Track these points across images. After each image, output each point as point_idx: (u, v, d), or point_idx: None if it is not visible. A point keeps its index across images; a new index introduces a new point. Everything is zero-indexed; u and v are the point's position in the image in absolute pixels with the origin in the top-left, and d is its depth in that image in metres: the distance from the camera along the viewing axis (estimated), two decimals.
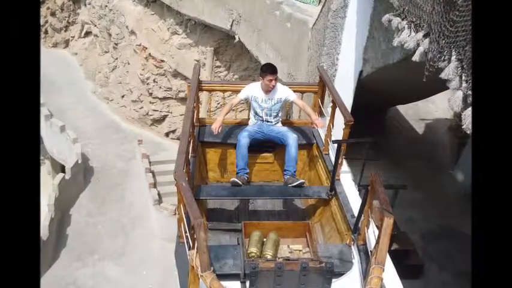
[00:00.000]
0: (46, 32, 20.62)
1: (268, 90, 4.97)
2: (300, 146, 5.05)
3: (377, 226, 3.43)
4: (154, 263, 11.88)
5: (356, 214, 3.96)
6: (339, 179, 4.66)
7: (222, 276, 3.15)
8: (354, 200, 4.38)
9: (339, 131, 4.64)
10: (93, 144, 15.66)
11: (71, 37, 20.84)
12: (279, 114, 5.17)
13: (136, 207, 13.55)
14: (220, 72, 14.91)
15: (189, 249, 3.29)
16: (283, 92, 5.05)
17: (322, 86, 5.45)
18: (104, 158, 15.22)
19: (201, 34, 14.55)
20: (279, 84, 5.08)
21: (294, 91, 5.26)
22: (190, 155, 4.55)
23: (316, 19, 7.51)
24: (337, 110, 4.77)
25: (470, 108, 3.03)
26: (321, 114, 5.50)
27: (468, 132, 2.98)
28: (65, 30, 20.86)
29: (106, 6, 17.62)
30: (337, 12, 6.49)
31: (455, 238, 7.68)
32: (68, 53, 20.76)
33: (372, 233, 3.71)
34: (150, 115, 16.54)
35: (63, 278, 11.44)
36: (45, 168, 15.93)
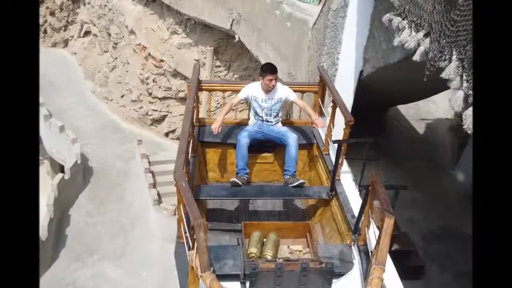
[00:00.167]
0: (45, 32, 20.60)
1: (268, 90, 4.96)
2: (300, 146, 5.04)
3: (377, 226, 3.42)
4: (154, 263, 11.86)
5: (356, 214, 3.95)
6: (339, 179, 4.65)
7: (222, 277, 3.15)
8: (355, 200, 4.37)
9: (339, 131, 4.63)
10: (92, 144, 15.63)
11: (70, 37, 20.82)
12: (279, 114, 5.16)
13: (136, 208, 13.53)
14: (220, 72, 14.90)
15: (189, 249, 3.28)
16: (283, 92, 5.04)
17: (323, 86, 5.44)
18: (103, 158, 15.19)
19: (200, 34, 14.54)
20: (279, 84, 5.07)
21: (294, 91, 5.25)
22: (190, 155, 4.54)
23: (317, 18, 7.50)
24: (338, 109, 4.76)
25: (471, 108, 3.02)
26: (321, 114, 5.49)
27: (469, 132, 2.97)
28: (64, 30, 20.84)
29: (105, 5, 17.60)
30: (337, 11, 6.48)
31: (456, 238, 7.67)
32: (67, 53, 20.73)
33: (372, 234, 3.70)
34: (150, 115, 16.53)
35: (63, 278, 11.42)
36: (44, 169, 15.92)
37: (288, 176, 4.81)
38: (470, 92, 3.07)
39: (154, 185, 13.31)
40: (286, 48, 8.83)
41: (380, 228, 3.28)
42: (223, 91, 5.81)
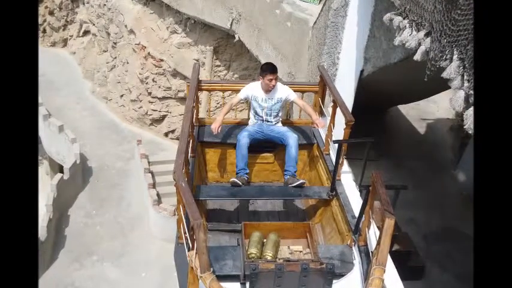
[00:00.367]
0: (44, 31, 20.57)
1: (268, 89, 4.95)
2: (301, 146, 5.03)
3: (378, 227, 3.41)
4: (153, 264, 11.85)
5: (357, 215, 3.94)
6: (339, 179, 4.64)
7: (222, 278, 3.15)
8: (355, 201, 4.36)
9: (339, 131, 4.62)
10: (91, 144, 15.61)
11: (69, 36, 20.79)
12: (279, 114, 5.15)
13: (135, 208, 13.51)
14: (220, 71, 14.89)
15: (189, 250, 3.27)
16: (283, 92, 5.03)
17: (323, 86, 5.43)
18: (102, 158, 15.17)
19: (200, 33, 14.52)
20: (279, 84, 5.06)
21: (295, 91, 5.25)
22: (189, 155, 4.53)
23: (317, 18, 7.49)
24: (338, 109, 4.75)
25: (472, 108, 3.01)
26: (321, 114, 5.48)
27: (470, 132, 2.96)
28: (63, 29, 20.81)
29: (105, 5, 17.58)
30: (337, 11, 6.47)
31: (457, 239, 7.67)
32: (67, 52, 20.69)
33: (373, 234, 3.69)
34: (149, 115, 16.50)
35: (62, 279, 11.39)
36: (43, 168, 15.89)
37: (288, 176, 4.80)
38: (471, 91, 3.06)
39: (153, 185, 13.29)
40: (287, 48, 8.82)
41: (380, 229, 3.28)
42: (223, 91, 5.80)
